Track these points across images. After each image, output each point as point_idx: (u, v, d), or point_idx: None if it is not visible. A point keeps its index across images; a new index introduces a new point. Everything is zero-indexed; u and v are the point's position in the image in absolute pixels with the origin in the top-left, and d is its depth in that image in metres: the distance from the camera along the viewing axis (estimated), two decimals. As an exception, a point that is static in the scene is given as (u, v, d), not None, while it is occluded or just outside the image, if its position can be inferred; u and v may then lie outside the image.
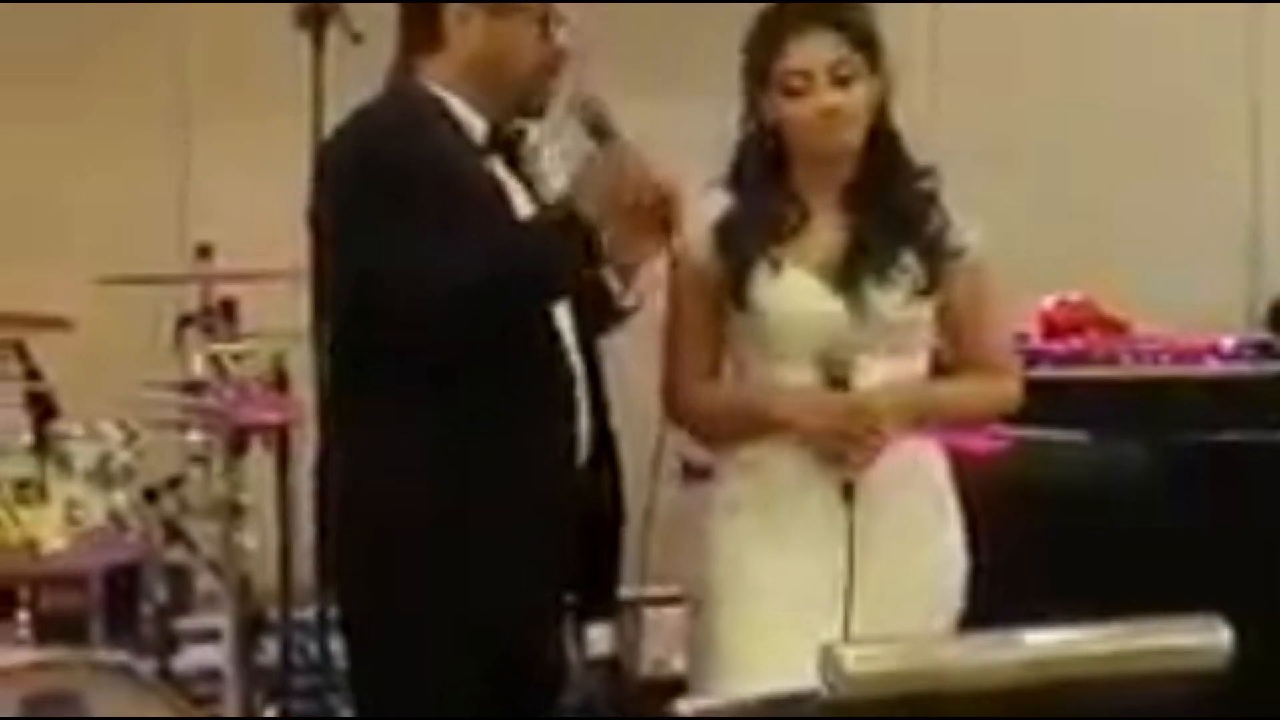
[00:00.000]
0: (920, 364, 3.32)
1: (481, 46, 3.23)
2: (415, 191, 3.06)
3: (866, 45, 3.25)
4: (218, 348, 5.02)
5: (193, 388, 4.99)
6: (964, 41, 6.27)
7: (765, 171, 3.29)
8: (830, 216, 3.28)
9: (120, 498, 4.51)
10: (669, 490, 3.30)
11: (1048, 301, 5.44)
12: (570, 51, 3.28)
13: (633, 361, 3.38)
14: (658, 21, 6.26)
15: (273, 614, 5.26)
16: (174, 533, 4.96)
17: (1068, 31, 6.30)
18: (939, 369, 3.36)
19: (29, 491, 4.39)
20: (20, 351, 4.67)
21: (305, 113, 3.43)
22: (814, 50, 3.21)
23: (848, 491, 3.16)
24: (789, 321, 3.23)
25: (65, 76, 6.17)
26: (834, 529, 3.16)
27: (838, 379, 3.19)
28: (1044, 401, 3.84)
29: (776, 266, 3.24)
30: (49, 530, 4.39)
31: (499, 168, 3.26)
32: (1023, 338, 5.14)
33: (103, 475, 4.48)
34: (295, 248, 3.32)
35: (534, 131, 3.33)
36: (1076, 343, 5.32)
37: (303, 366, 4.24)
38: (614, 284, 3.22)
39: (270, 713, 5.11)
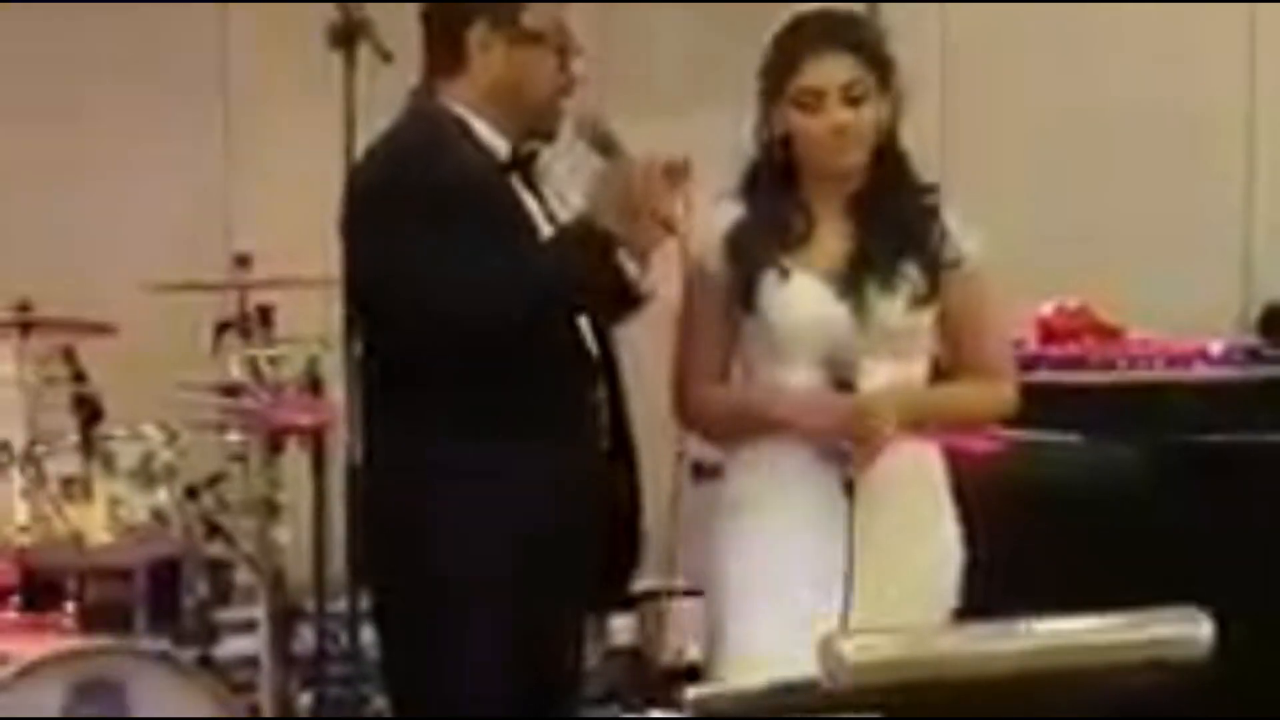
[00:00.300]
0: (921, 369, 3.35)
1: (502, 74, 3.29)
2: (449, 207, 3.11)
3: (879, 66, 3.30)
4: (254, 352, 5.09)
5: (231, 390, 5.05)
6: (969, 54, 6.28)
7: (775, 182, 3.32)
8: (836, 225, 3.33)
9: (162, 495, 4.60)
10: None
11: (1046, 308, 5.43)
12: (583, 78, 3.35)
13: (649, 354, 3.43)
14: (672, 36, 6.34)
15: (308, 606, 5.33)
16: (213, 528, 5.03)
17: (1065, 43, 6.30)
18: (938, 375, 3.38)
19: (75, 489, 4.47)
20: (68, 356, 4.76)
21: (338, 128, 3.50)
22: (829, 71, 3.26)
23: (849, 489, 3.18)
24: (796, 326, 3.27)
25: (117, 90, 6.21)
26: (835, 525, 3.18)
27: (842, 381, 3.22)
28: (1041, 405, 3.85)
29: (784, 273, 3.27)
30: (94, 526, 4.47)
31: (519, 186, 3.32)
32: (1021, 343, 5.10)
33: (145, 474, 4.56)
34: (327, 258, 3.38)
35: (545, 152, 3.38)
36: (1073, 348, 5.31)
37: (335, 370, 4.28)
38: (631, 269, 3.20)
39: (305, 699, 5.19)
